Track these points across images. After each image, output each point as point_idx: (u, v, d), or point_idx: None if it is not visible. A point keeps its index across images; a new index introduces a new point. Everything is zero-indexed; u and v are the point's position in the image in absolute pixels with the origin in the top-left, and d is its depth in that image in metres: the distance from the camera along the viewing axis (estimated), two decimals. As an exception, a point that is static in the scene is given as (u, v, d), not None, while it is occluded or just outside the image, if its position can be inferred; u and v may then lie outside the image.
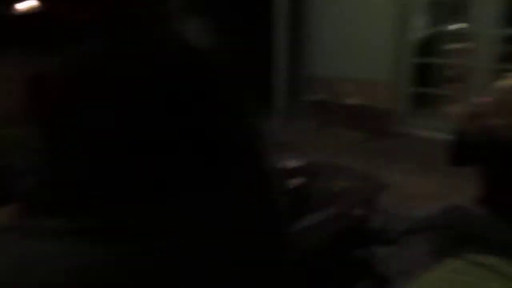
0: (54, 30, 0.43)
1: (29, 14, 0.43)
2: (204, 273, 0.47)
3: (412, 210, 2.40)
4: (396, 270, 2.76)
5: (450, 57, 6.29)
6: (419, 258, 2.80)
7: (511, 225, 2.05)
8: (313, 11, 6.16)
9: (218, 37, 0.54)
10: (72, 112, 0.42)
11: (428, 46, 6.49)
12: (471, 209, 2.20)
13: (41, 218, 0.43)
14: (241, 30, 6.40)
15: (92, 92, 0.43)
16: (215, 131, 0.51)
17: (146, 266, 0.43)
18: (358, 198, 2.63)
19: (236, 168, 0.54)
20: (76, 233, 0.41)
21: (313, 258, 2.59)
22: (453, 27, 8.05)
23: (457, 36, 7.13)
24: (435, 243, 2.29)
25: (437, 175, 3.72)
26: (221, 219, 0.51)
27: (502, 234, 2.06)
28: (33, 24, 0.43)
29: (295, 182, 2.39)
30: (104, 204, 0.43)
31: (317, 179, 3.14)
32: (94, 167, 0.43)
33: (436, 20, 5.90)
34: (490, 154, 2.20)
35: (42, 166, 0.44)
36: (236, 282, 0.51)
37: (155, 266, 0.43)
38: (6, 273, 0.39)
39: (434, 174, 3.37)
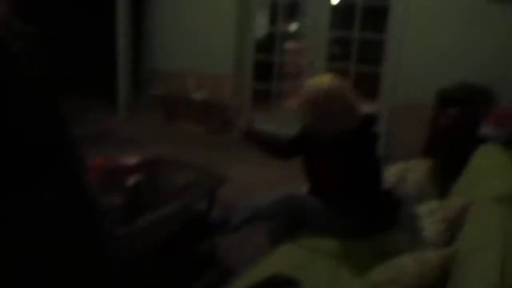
0: None
1: None
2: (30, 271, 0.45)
3: (252, 200, 2.51)
4: (238, 260, 2.88)
5: (288, 55, 6.74)
6: (259, 246, 2.97)
7: (333, 210, 2.28)
8: (156, 6, 6.06)
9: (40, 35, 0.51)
10: None
11: (267, 44, 6.84)
12: (303, 196, 2.39)
13: None
14: (81, 25, 6.05)
15: None
16: (25, 128, 0.47)
17: None
18: (200, 191, 2.67)
19: (49, 167, 0.51)
20: None
21: (157, 253, 2.57)
22: (290, 27, 8.64)
23: (294, 35, 7.67)
24: (273, 230, 2.44)
25: (277, 166, 3.96)
26: (37, 218, 0.48)
27: (327, 218, 2.28)
28: None
29: (135, 178, 2.34)
30: None
31: (159, 174, 3.11)
32: None
33: (275, 20, 6.25)
34: (306, 147, 2.40)
35: None
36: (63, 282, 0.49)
37: None
38: None
39: (273, 165, 3.57)
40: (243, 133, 2.54)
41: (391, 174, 2.59)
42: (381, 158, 2.42)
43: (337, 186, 2.31)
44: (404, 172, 2.55)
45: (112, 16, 5.79)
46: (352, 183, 2.28)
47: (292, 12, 8.83)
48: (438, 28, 4.55)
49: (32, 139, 0.49)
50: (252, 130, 2.54)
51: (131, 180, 2.32)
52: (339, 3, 7.33)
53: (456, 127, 3.69)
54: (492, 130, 3.55)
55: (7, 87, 0.47)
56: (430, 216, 2.04)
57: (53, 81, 0.57)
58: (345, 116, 2.25)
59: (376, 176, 2.37)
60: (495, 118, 3.68)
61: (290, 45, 6.90)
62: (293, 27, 8.78)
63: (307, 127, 2.36)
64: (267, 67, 5.94)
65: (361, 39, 5.22)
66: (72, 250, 0.54)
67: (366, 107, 5.74)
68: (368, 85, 6.38)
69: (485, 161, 2.37)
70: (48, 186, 0.51)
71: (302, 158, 2.42)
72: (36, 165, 0.50)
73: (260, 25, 7.05)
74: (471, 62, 4.44)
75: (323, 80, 2.29)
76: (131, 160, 2.63)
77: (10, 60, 0.49)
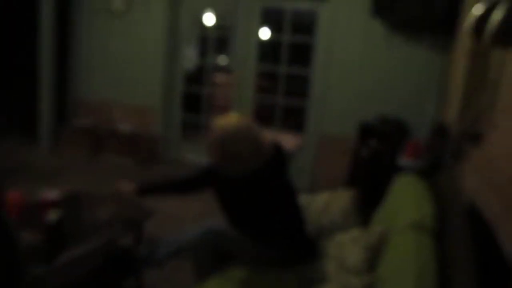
0: None
1: None
2: None
3: (177, 233, 2.47)
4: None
5: (217, 87, 6.82)
6: (186, 280, 2.91)
7: (255, 241, 2.30)
8: (82, 36, 5.93)
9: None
10: None
11: (197, 76, 6.88)
12: (224, 229, 2.38)
13: None
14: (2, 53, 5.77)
15: None
16: None
17: None
18: (125, 225, 2.59)
19: None
20: None
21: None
22: (219, 60, 8.78)
23: (222, 68, 7.79)
24: (199, 263, 2.40)
25: (204, 199, 3.94)
26: None
27: (250, 249, 2.30)
28: None
29: (55, 213, 2.23)
30: None
31: (81, 208, 2.99)
32: None
33: (205, 52, 6.32)
34: (213, 182, 2.43)
35: None
36: None
37: None
38: None
39: (201, 198, 3.55)
40: (138, 195, 2.55)
41: (316, 203, 2.66)
42: (293, 185, 2.44)
43: (253, 219, 2.32)
44: (329, 201, 2.63)
45: (35, 44, 5.58)
46: (268, 214, 2.30)
47: (221, 45, 8.99)
48: (359, 64, 4.83)
49: None
50: (140, 186, 2.56)
51: (52, 215, 2.21)
52: (267, 39, 7.58)
53: (376, 158, 3.89)
54: (408, 161, 3.77)
55: None
56: (353, 244, 2.12)
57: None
58: (251, 156, 2.19)
59: (293, 203, 2.42)
60: (410, 149, 3.91)
61: (219, 77, 6.99)
62: (222, 60, 8.93)
63: (215, 165, 2.33)
64: (196, 99, 5.97)
65: (287, 73, 5.41)
66: None
67: (291, 139, 5.91)
68: (295, 118, 6.59)
69: (402, 190, 2.51)
70: None
71: (214, 192, 2.43)
72: None
73: (190, 58, 7.10)
74: (390, 97, 4.74)
75: (229, 121, 2.23)
76: (52, 194, 2.51)
77: None
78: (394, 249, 1.79)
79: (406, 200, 2.29)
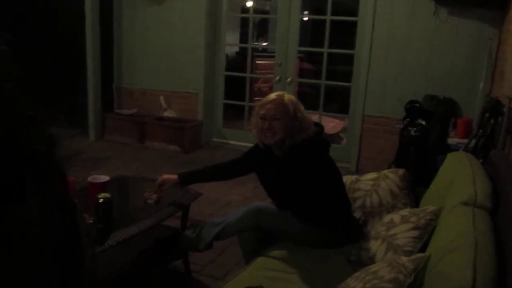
0: None
1: None
2: None
3: (224, 215, 2.49)
4: (213, 276, 2.84)
5: (258, 71, 6.80)
6: (233, 260, 2.94)
7: (300, 222, 2.29)
8: (125, 26, 6.03)
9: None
10: None
11: (238, 61, 6.88)
12: (271, 207, 2.38)
13: None
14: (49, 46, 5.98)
15: None
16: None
17: None
18: (172, 208, 2.63)
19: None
20: None
21: (130, 271, 2.51)
22: (260, 44, 8.75)
23: (263, 52, 7.76)
24: (245, 243, 2.41)
25: (250, 183, 3.96)
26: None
27: (296, 228, 2.28)
28: None
29: (105, 195, 2.28)
30: None
31: (130, 191, 3.06)
32: None
33: (245, 37, 6.30)
34: (258, 163, 2.44)
35: None
36: None
37: None
38: None
39: (247, 182, 3.58)
40: (180, 185, 2.58)
41: (364, 183, 2.61)
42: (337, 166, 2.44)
43: (298, 200, 2.30)
44: (377, 181, 2.57)
45: (81, 35, 5.72)
46: (313, 195, 2.28)
47: (262, 29, 8.96)
48: (403, 42, 4.67)
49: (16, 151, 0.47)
50: (182, 175, 2.57)
51: (101, 198, 2.26)
52: (308, 19, 7.47)
53: (424, 137, 3.77)
54: (459, 139, 3.63)
55: None
56: (402, 223, 2.06)
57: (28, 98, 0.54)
58: (297, 127, 2.27)
59: (338, 184, 2.39)
60: (461, 128, 3.77)
61: (260, 61, 6.97)
62: (263, 44, 8.90)
63: (260, 142, 2.40)
64: (238, 84, 5.97)
65: (330, 55, 5.30)
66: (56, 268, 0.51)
67: (335, 122, 5.83)
68: (338, 100, 6.49)
69: (453, 168, 2.41)
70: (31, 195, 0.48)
71: (258, 175, 2.44)
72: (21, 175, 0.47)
73: (231, 43, 7.11)
74: (437, 75, 4.56)
75: (272, 96, 2.35)
76: (100, 178, 2.58)
77: None
78: (447, 226, 1.72)
79: (458, 178, 2.20)
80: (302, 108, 2.34)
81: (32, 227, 0.49)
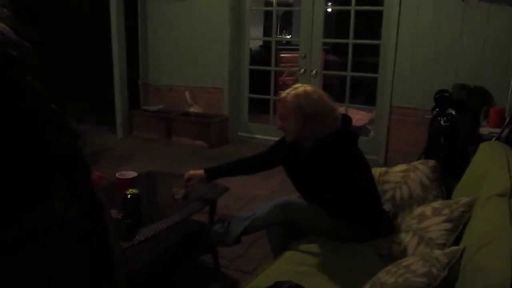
0: None
1: None
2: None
3: (251, 209, 2.47)
4: (242, 270, 2.84)
5: (282, 65, 6.75)
6: (262, 254, 2.92)
7: (329, 216, 2.25)
8: (150, 24, 6.07)
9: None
10: None
11: (262, 55, 6.84)
12: (299, 201, 2.35)
13: None
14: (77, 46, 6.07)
15: None
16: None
17: None
18: (200, 202, 2.63)
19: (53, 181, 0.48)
20: None
21: (159, 266, 2.52)
22: (284, 37, 8.70)
23: (287, 45, 7.71)
24: (274, 238, 2.39)
25: (277, 178, 3.94)
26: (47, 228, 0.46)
27: (325, 222, 2.24)
28: None
29: (132, 191, 2.29)
30: None
31: (157, 186, 3.08)
32: None
33: (269, 30, 6.26)
34: (285, 156, 2.41)
35: None
36: None
37: None
38: None
39: (273, 176, 3.56)
40: (207, 180, 2.57)
41: (393, 175, 2.55)
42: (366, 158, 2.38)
43: (326, 193, 2.27)
44: (407, 173, 2.51)
45: (107, 33, 5.79)
46: (341, 188, 2.24)
47: (286, 22, 8.89)
48: (431, 31, 4.55)
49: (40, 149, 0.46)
50: (209, 170, 2.56)
51: (129, 193, 2.28)
52: (332, 11, 7.38)
53: (454, 127, 3.67)
54: (491, 129, 3.53)
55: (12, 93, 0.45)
56: (435, 216, 2.00)
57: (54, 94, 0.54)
58: (325, 119, 2.22)
59: (366, 177, 2.34)
60: (494, 117, 3.65)
61: (284, 55, 6.92)
62: (287, 37, 8.83)
63: (287, 136, 2.36)
64: (262, 78, 5.94)
65: (355, 46, 5.22)
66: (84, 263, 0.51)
67: (362, 114, 5.75)
68: (365, 92, 6.40)
69: (485, 159, 2.34)
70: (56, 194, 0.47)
71: (285, 169, 2.42)
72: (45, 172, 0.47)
73: (255, 37, 7.08)
74: (467, 63, 4.44)
75: (297, 88, 2.29)
76: (128, 173, 2.60)
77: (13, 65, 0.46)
78: (483, 218, 1.67)
79: (493, 169, 2.13)
80: (324, 101, 2.26)
81: (62, 222, 0.48)
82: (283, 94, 2.32)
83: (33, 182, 0.45)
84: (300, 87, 2.30)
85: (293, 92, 2.27)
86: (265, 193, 4.06)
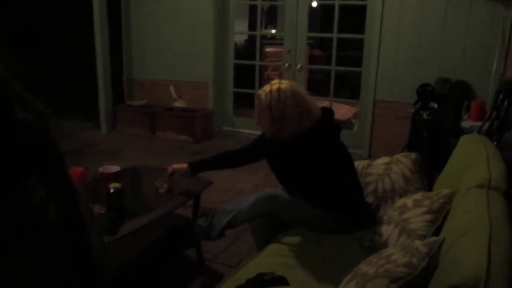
0: None
1: None
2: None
3: (235, 203, 2.48)
4: (226, 263, 2.85)
5: (267, 59, 6.75)
6: (246, 247, 2.93)
7: (312, 208, 2.27)
8: (133, 17, 6.01)
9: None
10: None
11: (247, 49, 6.83)
12: (282, 194, 2.35)
13: None
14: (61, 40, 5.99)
15: None
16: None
17: None
18: (183, 196, 2.63)
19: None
20: None
21: (141, 261, 2.52)
22: (269, 31, 8.68)
23: (272, 39, 7.70)
24: (257, 231, 2.40)
25: (261, 172, 3.95)
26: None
27: (306, 215, 2.26)
28: None
29: (116, 185, 2.28)
30: None
31: (141, 181, 3.07)
32: None
33: (254, 25, 6.24)
34: (266, 150, 2.42)
35: None
36: None
37: None
38: None
39: (258, 170, 3.58)
40: (191, 173, 2.57)
41: (376, 168, 2.58)
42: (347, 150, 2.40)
43: (308, 185, 2.28)
44: (390, 166, 2.54)
45: (90, 27, 5.72)
46: (323, 180, 2.26)
47: (271, 17, 8.88)
48: (414, 25, 4.59)
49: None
50: (192, 164, 2.56)
51: (112, 188, 2.27)
52: (317, 6, 7.39)
53: (437, 121, 3.71)
54: (473, 123, 3.57)
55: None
56: (416, 207, 2.03)
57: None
58: (298, 118, 2.21)
59: (349, 169, 2.37)
60: (475, 111, 3.70)
61: (269, 49, 6.91)
62: (272, 31, 8.82)
63: (265, 133, 2.39)
64: (247, 72, 5.94)
65: (339, 40, 5.24)
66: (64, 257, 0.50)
67: (346, 108, 5.78)
68: (349, 86, 6.43)
69: (466, 151, 2.37)
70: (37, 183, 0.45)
71: (268, 162, 2.42)
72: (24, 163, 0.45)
73: (240, 31, 7.05)
74: (449, 57, 4.49)
75: (273, 85, 2.28)
76: (112, 168, 2.58)
77: None
78: (461, 210, 1.69)
79: (473, 161, 2.16)
80: (301, 97, 2.25)
81: (41, 219, 0.47)
82: (260, 91, 2.34)
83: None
84: (275, 85, 2.28)
85: (268, 89, 2.27)
86: (249, 187, 4.07)
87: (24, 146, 0.45)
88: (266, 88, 2.29)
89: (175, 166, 2.57)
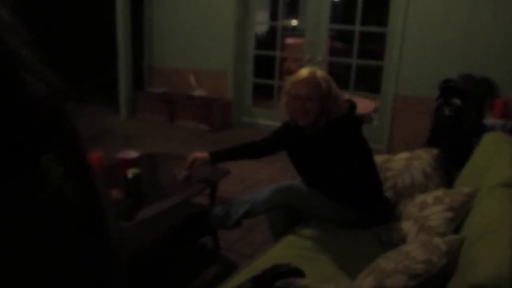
0: None
1: None
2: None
3: (252, 194, 2.47)
4: (242, 253, 2.85)
5: (288, 50, 6.70)
6: (262, 238, 2.93)
7: (330, 201, 2.25)
8: (154, 6, 6.02)
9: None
10: None
11: (268, 40, 6.78)
12: (301, 185, 2.34)
13: None
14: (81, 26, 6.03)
15: None
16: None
17: None
18: (202, 185, 2.63)
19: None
20: None
21: (157, 247, 2.53)
22: (291, 22, 8.60)
23: (294, 30, 7.63)
24: (274, 222, 2.40)
25: (279, 163, 3.94)
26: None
27: (324, 208, 2.24)
28: None
29: (134, 171, 2.30)
30: None
31: (159, 168, 3.08)
32: None
33: (275, 15, 6.19)
34: (289, 141, 2.40)
35: None
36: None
37: None
38: None
39: (276, 161, 3.57)
40: (211, 162, 2.54)
41: (396, 163, 2.54)
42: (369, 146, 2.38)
43: (328, 178, 2.27)
44: (410, 161, 2.50)
45: (112, 15, 5.75)
46: (344, 174, 2.24)
47: (293, 7, 8.80)
48: (439, 19, 4.50)
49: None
50: (213, 153, 2.53)
51: (130, 174, 2.28)
52: (339, -2, 7.30)
53: (459, 117, 3.65)
54: (496, 120, 3.51)
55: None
56: (436, 204, 2.00)
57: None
58: (339, 99, 2.23)
59: (369, 164, 2.34)
60: (499, 108, 3.63)
61: (290, 40, 6.85)
62: (293, 22, 8.74)
63: (291, 121, 2.35)
64: (267, 63, 5.90)
65: (362, 33, 5.16)
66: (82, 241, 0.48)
67: (367, 102, 5.71)
68: (370, 80, 6.35)
69: (489, 149, 2.33)
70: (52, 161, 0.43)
71: (289, 154, 2.40)
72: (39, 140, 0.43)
73: (261, 21, 7.00)
74: (474, 53, 4.39)
75: (303, 74, 2.26)
76: (130, 154, 2.59)
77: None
78: (484, 208, 1.66)
79: (496, 159, 2.12)
80: (334, 84, 2.28)
81: (56, 204, 0.44)
82: (305, 73, 2.27)
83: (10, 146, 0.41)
84: (310, 69, 2.30)
85: (318, 72, 2.26)
86: (267, 178, 4.06)
87: (36, 121, 0.42)
88: (305, 72, 2.27)
89: (196, 154, 2.56)
